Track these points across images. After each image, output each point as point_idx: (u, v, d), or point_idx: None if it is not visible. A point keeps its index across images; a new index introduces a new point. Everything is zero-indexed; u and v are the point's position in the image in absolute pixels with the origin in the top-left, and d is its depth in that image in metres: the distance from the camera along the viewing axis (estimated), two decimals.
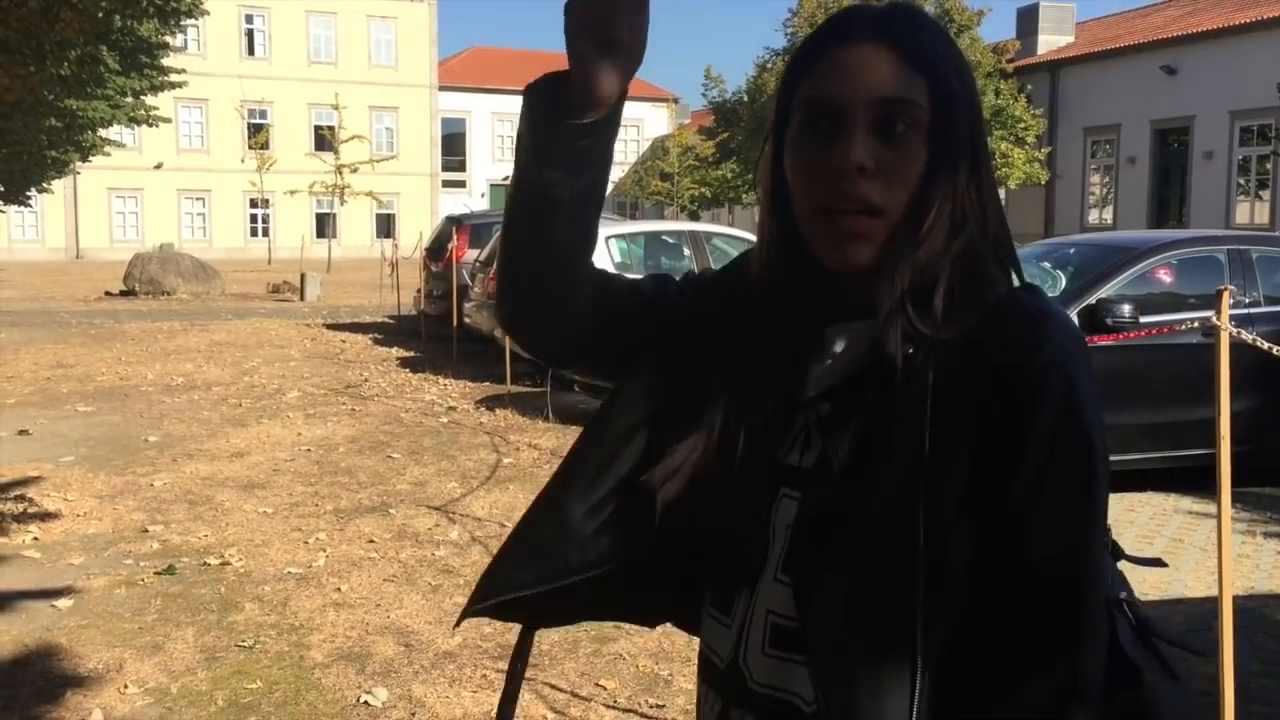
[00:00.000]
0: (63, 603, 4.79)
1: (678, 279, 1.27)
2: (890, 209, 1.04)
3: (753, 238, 8.54)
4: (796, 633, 1.02)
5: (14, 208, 41.03)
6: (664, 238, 12.56)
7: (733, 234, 12.87)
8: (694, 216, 42.23)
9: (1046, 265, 8.25)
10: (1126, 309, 6.61)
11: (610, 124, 1.08)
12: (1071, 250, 8.04)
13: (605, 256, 11.17)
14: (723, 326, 1.16)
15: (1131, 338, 5.49)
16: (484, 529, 5.98)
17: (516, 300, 1.19)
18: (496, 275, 1.20)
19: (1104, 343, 6.34)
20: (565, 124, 1.05)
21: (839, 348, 1.06)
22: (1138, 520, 6.32)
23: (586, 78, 1.04)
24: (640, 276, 1.27)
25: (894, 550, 0.97)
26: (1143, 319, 6.63)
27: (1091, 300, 6.75)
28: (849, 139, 1.03)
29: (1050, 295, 6.46)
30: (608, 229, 11.89)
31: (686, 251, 11.73)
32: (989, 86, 34.43)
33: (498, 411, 9.60)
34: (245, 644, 4.32)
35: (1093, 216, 34.60)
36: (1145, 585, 5.12)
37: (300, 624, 4.55)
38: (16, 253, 47.25)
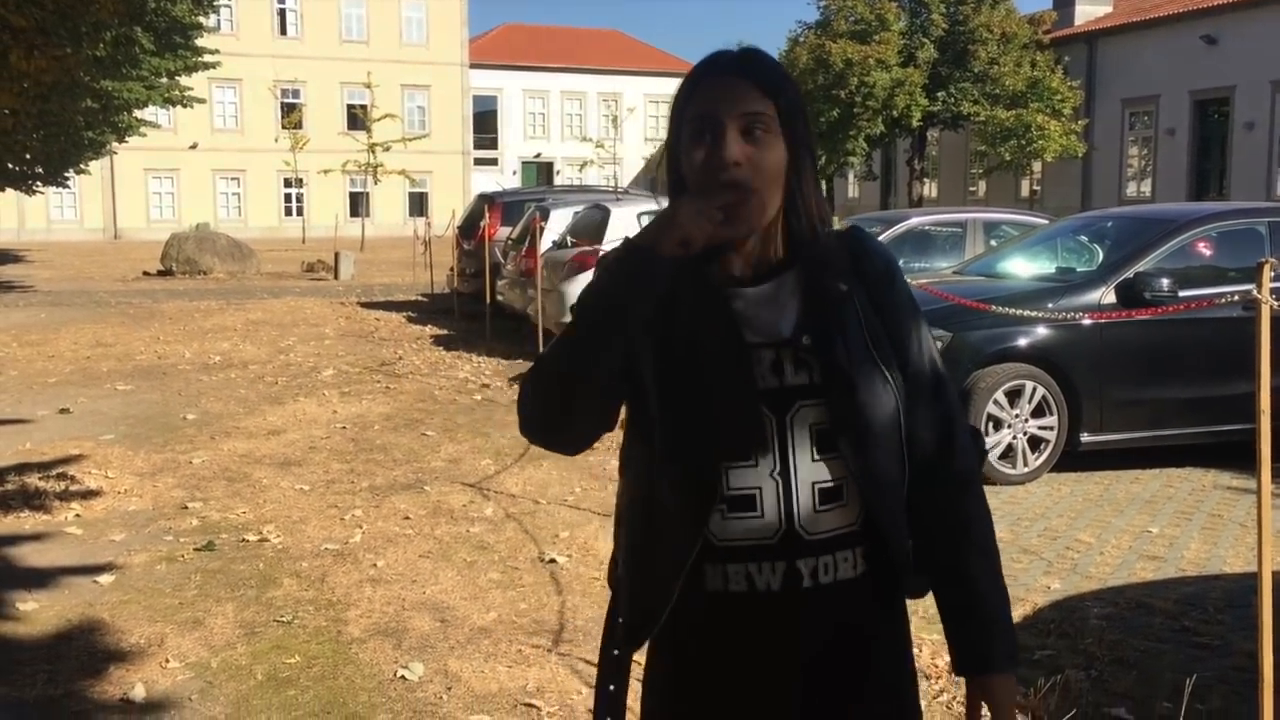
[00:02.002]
0: (104, 578, 4.87)
1: None
2: (760, 189, 1.50)
3: None
4: (837, 489, 1.53)
5: (53, 189, 41.47)
6: None
7: None
8: None
9: (1083, 239, 8.17)
10: (1165, 283, 6.52)
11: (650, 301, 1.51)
12: (1109, 223, 7.94)
13: (636, 232, 11.14)
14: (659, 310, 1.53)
15: (1169, 312, 5.42)
16: (518, 505, 6.01)
17: (561, 438, 1.64)
18: (544, 413, 1.60)
19: (1142, 317, 6.28)
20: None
21: (789, 297, 1.56)
22: (1176, 495, 6.26)
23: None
24: None
25: (886, 408, 1.54)
26: (1181, 293, 6.55)
27: (1129, 274, 6.67)
28: (725, 142, 1.50)
29: (1086, 269, 6.40)
30: (638, 205, 11.86)
31: None
32: (1025, 58, 34.04)
33: None
34: (284, 619, 4.37)
35: (1130, 189, 34.14)
36: (1184, 562, 5.08)
37: (337, 599, 4.60)
38: (56, 233, 47.79)
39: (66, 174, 37.61)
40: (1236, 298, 3.92)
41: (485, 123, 57.09)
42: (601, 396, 1.53)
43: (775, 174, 1.51)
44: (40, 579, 4.88)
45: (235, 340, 13.23)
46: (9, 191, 41.09)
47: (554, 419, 1.56)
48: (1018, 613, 4.39)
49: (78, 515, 5.85)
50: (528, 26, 61.18)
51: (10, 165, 34.37)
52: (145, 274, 25.12)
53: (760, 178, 1.50)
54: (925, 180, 39.85)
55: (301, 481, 6.55)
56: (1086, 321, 6.50)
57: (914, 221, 9.53)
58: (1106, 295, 6.65)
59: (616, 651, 1.66)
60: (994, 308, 5.78)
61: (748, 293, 1.56)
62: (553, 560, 5.06)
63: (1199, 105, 31.60)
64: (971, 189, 40.74)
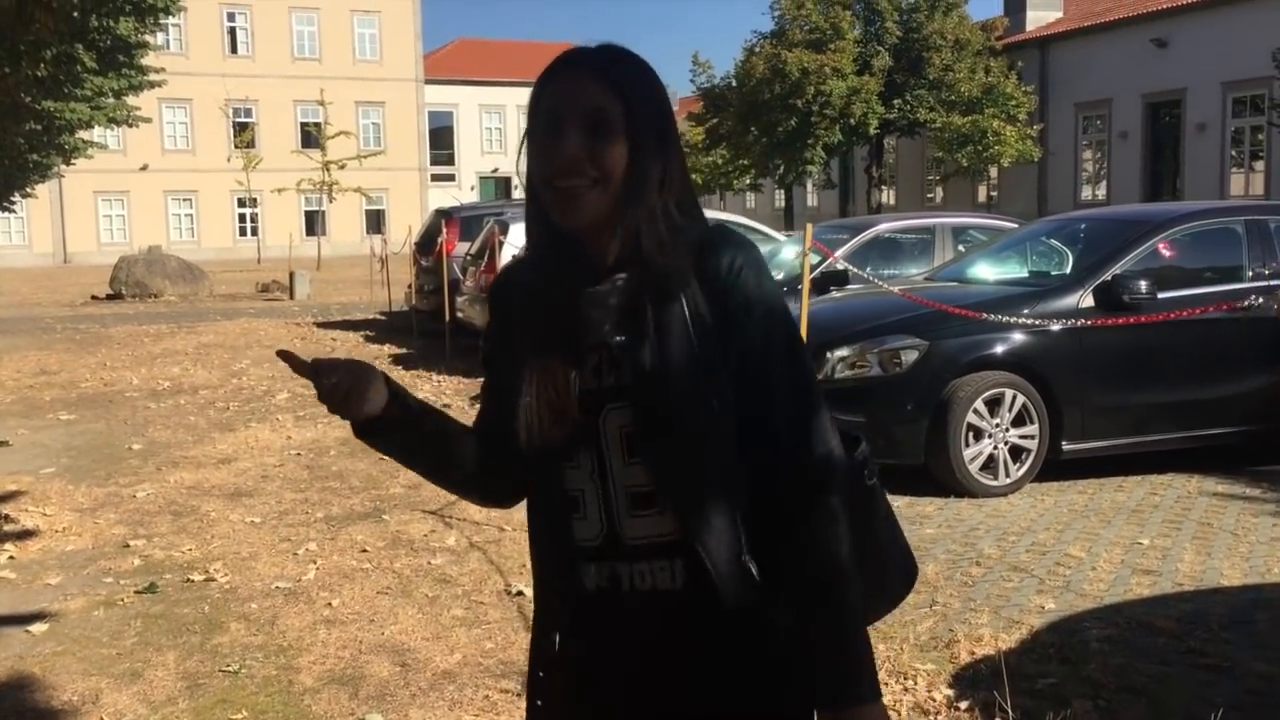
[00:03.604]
0: (37, 628, 4.52)
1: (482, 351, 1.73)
2: (599, 182, 1.50)
3: (749, 222, 8.28)
4: (650, 495, 1.51)
5: None
6: None
7: (733, 220, 12.57)
8: None
9: (1053, 242, 8.00)
10: (1143, 285, 6.36)
11: (396, 421, 1.59)
12: (1082, 226, 7.77)
13: None
14: (515, 320, 1.62)
15: (1181, 317, 5.22)
16: (482, 533, 5.71)
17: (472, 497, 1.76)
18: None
19: (1130, 322, 6.10)
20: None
21: (613, 297, 1.53)
22: (1163, 504, 6.06)
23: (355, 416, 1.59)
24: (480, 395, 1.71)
25: (705, 414, 1.49)
26: (1160, 295, 6.38)
27: (1106, 277, 6.49)
28: (566, 136, 1.51)
29: (1061, 273, 6.20)
30: None
31: None
32: (979, 64, 34.16)
33: None
34: (230, 668, 4.05)
35: (1086, 193, 34.33)
36: (1180, 576, 4.86)
37: (289, 644, 4.28)
38: (4, 259, 46.81)
39: (12, 199, 36.84)
40: (1260, 300, 3.71)
41: (441, 138, 56.67)
42: (462, 474, 1.67)
43: (616, 172, 1.51)
44: None
45: (185, 365, 12.82)
46: None
47: (449, 490, 1.75)
48: (1014, 636, 4.15)
49: (11, 558, 5.49)
50: (482, 41, 60.87)
51: None
52: (94, 298, 24.53)
53: (600, 170, 1.50)
54: (884, 187, 39.89)
55: (252, 513, 6.21)
56: (1065, 327, 6.30)
57: (882, 228, 9.31)
58: (1084, 299, 6.46)
59: (541, 674, 1.64)
60: (986, 315, 5.56)
61: (586, 293, 1.55)
62: (520, 592, 4.77)
63: (1151, 108, 31.83)
64: (929, 195, 40.85)
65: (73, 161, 30.62)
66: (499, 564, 5.21)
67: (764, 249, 10.90)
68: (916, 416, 6.20)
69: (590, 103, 1.51)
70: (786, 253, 9.98)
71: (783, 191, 44.70)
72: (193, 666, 4.08)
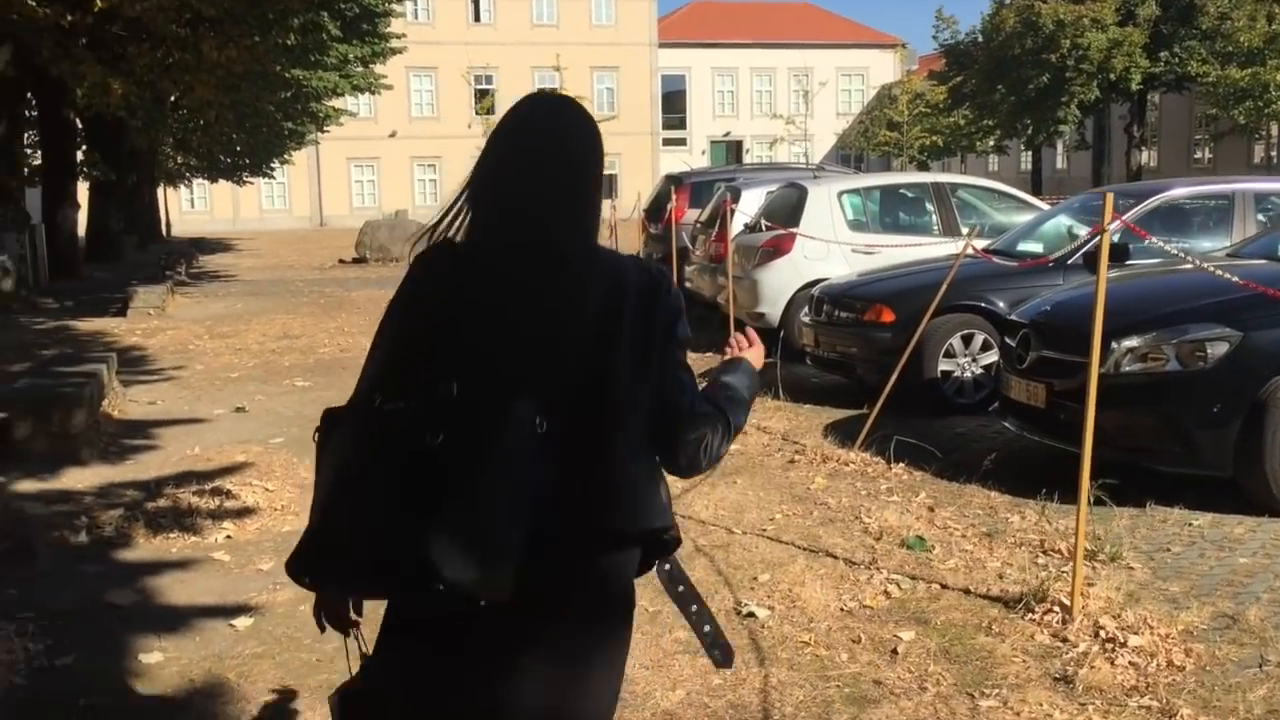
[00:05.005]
0: (241, 622, 4.28)
1: None
2: None
3: (1006, 188, 7.15)
4: None
5: (263, 180, 43.31)
6: (902, 191, 11.37)
7: (980, 184, 11.54)
8: (923, 166, 40.15)
9: None
10: None
11: None
12: None
13: (836, 213, 10.13)
14: None
15: None
16: (709, 535, 5.17)
17: None
18: None
19: None
20: None
21: None
22: None
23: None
24: None
25: None
26: None
27: None
28: None
29: None
30: (838, 183, 10.83)
31: (929, 206, 10.52)
32: (1260, 12, 31.03)
33: None
34: None
35: None
36: None
37: None
38: (267, 222, 49.87)
39: (272, 165, 39.04)
40: None
41: (674, 102, 56.49)
42: None
43: None
44: (174, 620, 4.34)
45: None
46: (223, 184, 43.14)
47: None
48: None
49: (228, 537, 5.34)
50: (718, 4, 60.15)
51: (221, 158, 35.86)
52: (340, 261, 25.49)
53: None
54: (1144, 148, 37.00)
55: None
56: None
57: (1173, 193, 8.09)
58: None
59: None
60: None
61: None
62: (751, 614, 4.20)
63: None
64: (1196, 156, 37.68)
65: (326, 129, 32.00)
66: (727, 575, 4.65)
67: (1023, 218, 9.87)
68: (1224, 420, 5.23)
69: None
70: (1052, 224, 8.94)
71: (1030, 154, 42.16)
72: None
